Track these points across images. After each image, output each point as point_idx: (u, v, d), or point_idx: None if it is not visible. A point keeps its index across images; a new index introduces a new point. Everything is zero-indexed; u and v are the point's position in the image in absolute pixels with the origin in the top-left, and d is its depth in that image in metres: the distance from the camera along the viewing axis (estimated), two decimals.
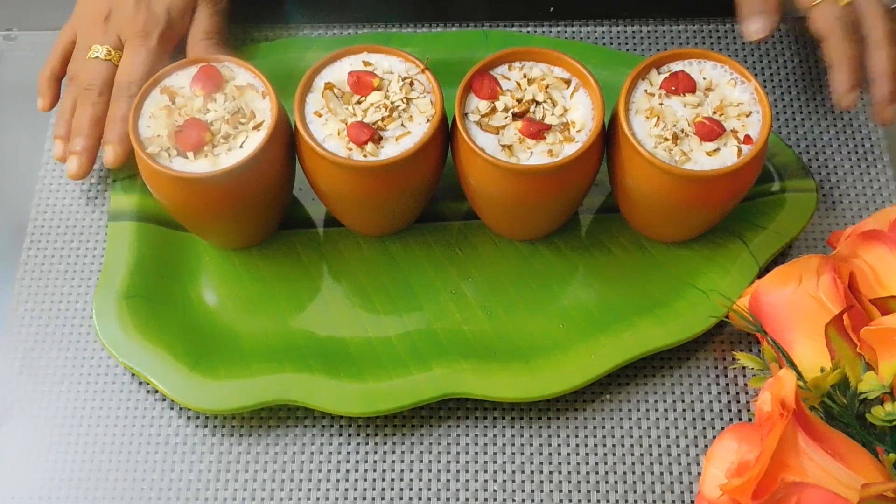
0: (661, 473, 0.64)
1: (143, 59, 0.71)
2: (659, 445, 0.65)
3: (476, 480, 0.64)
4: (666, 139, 0.62)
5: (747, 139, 0.62)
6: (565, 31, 0.81)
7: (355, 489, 0.64)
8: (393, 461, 0.65)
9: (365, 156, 0.62)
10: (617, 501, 0.63)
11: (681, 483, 0.63)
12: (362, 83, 0.64)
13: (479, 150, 0.62)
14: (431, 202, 0.70)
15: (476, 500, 0.63)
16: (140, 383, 0.67)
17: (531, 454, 0.65)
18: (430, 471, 0.64)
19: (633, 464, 0.64)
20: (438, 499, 0.63)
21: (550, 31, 0.81)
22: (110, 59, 0.72)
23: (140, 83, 0.69)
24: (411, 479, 0.64)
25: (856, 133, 0.76)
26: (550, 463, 0.64)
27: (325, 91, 0.64)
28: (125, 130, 0.69)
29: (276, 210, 0.70)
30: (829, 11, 0.70)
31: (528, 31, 0.81)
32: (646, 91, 0.64)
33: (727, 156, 0.62)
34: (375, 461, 0.64)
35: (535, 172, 0.61)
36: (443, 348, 0.66)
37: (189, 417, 0.66)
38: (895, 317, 0.58)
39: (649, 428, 0.65)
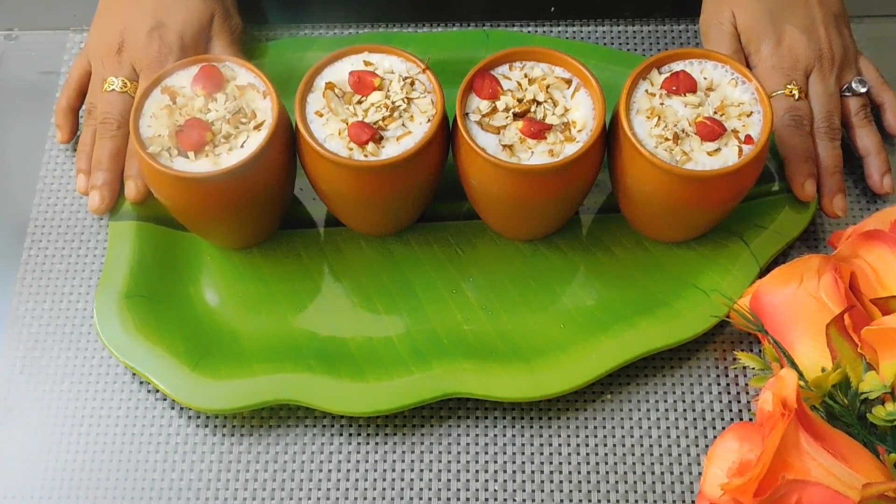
0: (662, 473, 0.64)
1: None
2: (660, 445, 0.65)
3: (477, 480, 0.64)
4: (667, 139, 0.62)
5: (748, 139, 0.62)
6: (566, 31, 0.81)
7: (356, 489, 0.64)
8: (394, 461, 0.65)
9: (366, 155, 0.62)
10: (618, 501, 0.63)
11: (682, 483, 0.63)
12: (363, 83, 0.64)
13: (479, 150, 0.62)
14: (432, 202, 0.70)
15: (477, 499, 0.63)
16: (141, 383, 0.67)
17: (532, 454, 0.65)
18: (430, 470, 0.64)
19: (633, 464, 0.64)
20: (439, 498, 0.63)
21: (551, 31, 0.81)
22: (126, 91, 0.71)
23: None
24: (412, 479, 0.64)
25: None
26: (551, 463, 0.64)
27: (326, 91, 0.64)
28: None
29: (277, 210, 0.70)
30: (778, 106, 0.70)
31: (528, 31, 0.81)
32: (647, 91, 0.64)
33: (728, 156, 0.62)
34: (376, 461, 0.64)
35: (536, 172, 0.61)
36: (444, 348, 0.66)
37: (190, 417, 0.66)
38: None
39: (650, 428, 0.65)
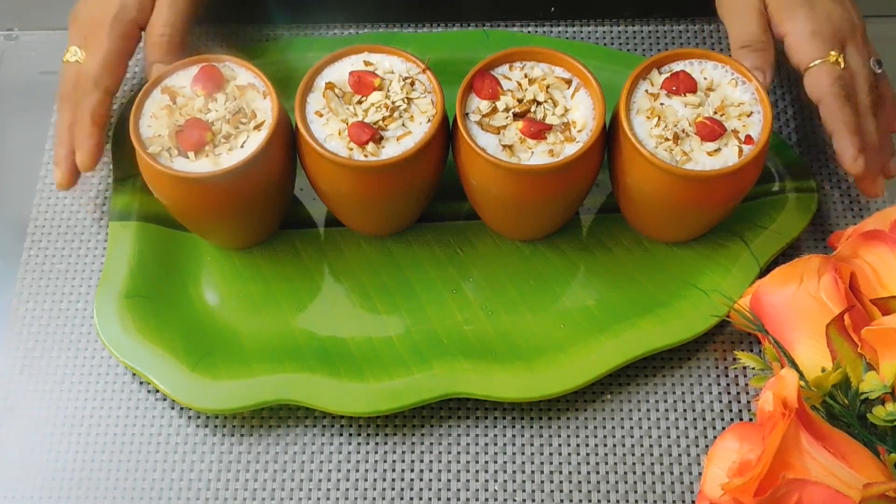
0: (662, 473, 0.64)
1: (100, 53, 0.69)
2: (660, 445, 0.65)
3: (477, 480, 0.64)
4: (667, 139, 0.62)
5: (748, 139, 0.62)
6: (566, 31, 0.81)
7: (356, 489, 0.64)
8: (394, 461, 0.65)
9: (366, 156, 0.62)
10: (618, 501, 0.63)
11: (682, 483, 0.63)
12: (363, 83, 0.64)
13: (479, 150, 0.62)
14: (432, 202, 0.70)
15: (477, 500, 0.63)
16: (141, 383, 0.67)
17: (532, 454, 0.65)
18: (431, 471, 0.64)
19: (633, 464, 0.64)
20: (439, 499, 0.63)
21: (551, 31, 0.81)
22: (78, 60, 0.70)
23: (97, 77, 0.68)
24: (412, 479, 0.64)
25: None
26: (551, 463, 0.64)
27: (326, 91, 0.64)
28: (93, 128, 0.68)
29: (277, 210, 0.70)
30: (825, 75, 0.67)
31: (528, 31, 0.81)
32: (647, 91, 0.64)
33: (728, 156, 0.62)
34: (376, 461, 0.64)
35: (536, 172, 0.61)
36: (444, 348, 0.66)
37: (190, 417, 0.66)
38: None
39: (650, 428, 0.65)
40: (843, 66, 0.67)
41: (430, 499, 0.63)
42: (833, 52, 0.67)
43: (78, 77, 0.69)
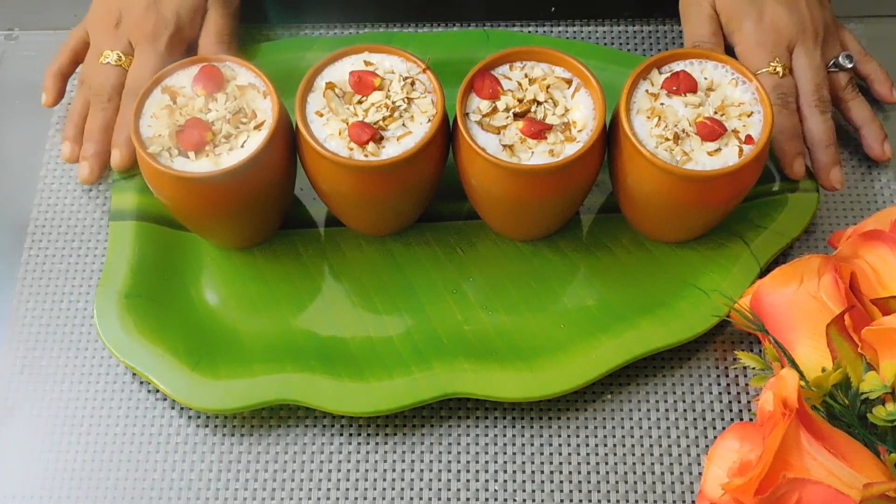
0: (663, 473, 0.64)
1: (152, 63, 0.72)
2: (660, 445, 0.65)
3: (477, 480, 0.64)
4: (667, 139, 0.62)
5: (748, 139, 0.62)
6: (566, 31, 0.81)
7: (356, 489, 0.64)
8: (394, 461, 0.65)
9: (366, 155, 0.62)
10: (618, 501, 0.63)
11: (682, 483, 0.63)
12: (363, 83, 0.64)
13: (480, 150, 0.62)
14: (432, 202, 0.70)
15: (477, 499, 0.63)
16: (141, 383, 0.67)
17: (532, 454, 0.65)
18: (431, 470, 0.64)
19: (634, 464, 0.64)
20: (440, 498, 0.63)
21: (552, 31, 0.81)
22: (121, 65, 0.72)
23: None
24: (412, 479, 0.64)
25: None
26: (552, 463, 0.64)
27: (327, 91, 0.64)
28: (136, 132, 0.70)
29: (278, 210, 0.70)
30: (766, 83, 0.70)
31: (529, 31, 0.81)
32: (647, 91, 0.64)
33: (728, 156, 0.62)
34: (377, 461, 0.64)
35: (537, 172, 0.61)
36: (444, 348, 0.66)
37: (190, 417, 0.66)
38: None
39: (650, 428, 0.65)
40: (782, 74, 0.70)
41: (430, 499, 0.63)
42: (774, 63, 0.71)
43: (121, 82, 0.72)
